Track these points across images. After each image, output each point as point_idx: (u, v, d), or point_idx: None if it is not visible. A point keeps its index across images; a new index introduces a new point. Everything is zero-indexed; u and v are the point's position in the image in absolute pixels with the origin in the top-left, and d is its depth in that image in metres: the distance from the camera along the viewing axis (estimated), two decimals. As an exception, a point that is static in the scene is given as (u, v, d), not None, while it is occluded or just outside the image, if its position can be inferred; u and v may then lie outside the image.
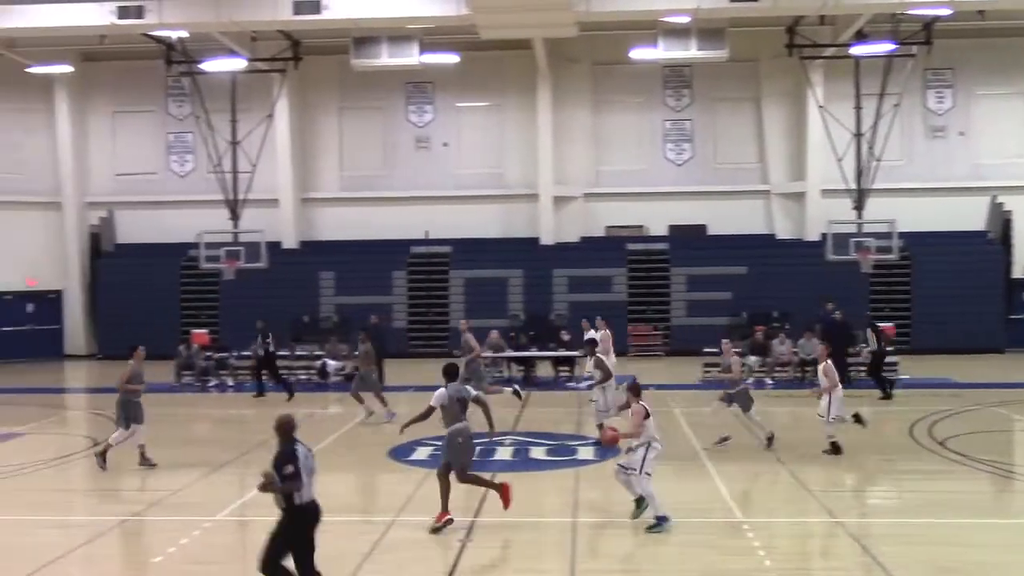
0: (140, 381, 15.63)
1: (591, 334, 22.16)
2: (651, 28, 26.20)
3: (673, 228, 33.07)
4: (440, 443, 16.85)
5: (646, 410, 11.60)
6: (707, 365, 25.61)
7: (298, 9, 23.56)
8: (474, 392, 12.51)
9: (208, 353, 26.21)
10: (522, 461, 15.64)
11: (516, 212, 33.40)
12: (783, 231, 33.02)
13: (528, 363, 25.77)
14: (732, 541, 11.11)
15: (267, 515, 12.36)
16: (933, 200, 31.32)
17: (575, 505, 12.77)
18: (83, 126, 34.06)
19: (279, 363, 23.91)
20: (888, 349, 23.54)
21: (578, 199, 33.51)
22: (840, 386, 15.73)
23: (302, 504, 8.52)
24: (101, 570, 10.52)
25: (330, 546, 11.15)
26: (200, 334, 27.30)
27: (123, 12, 23.47)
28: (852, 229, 27.54)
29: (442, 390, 11.82)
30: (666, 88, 33.37)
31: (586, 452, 16.21)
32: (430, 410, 11.83)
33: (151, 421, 19.22)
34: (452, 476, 11.66)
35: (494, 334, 25.62)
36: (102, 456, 15.07)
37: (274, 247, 30.61)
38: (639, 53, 28.26)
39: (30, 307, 33.16)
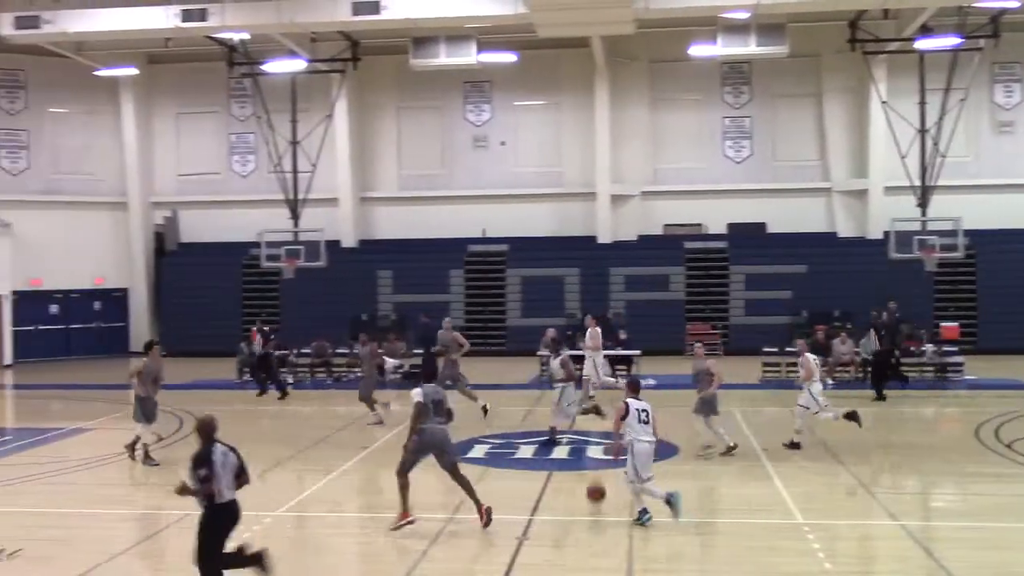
0: (155, 378, 15.90)
1: (593, 329, 22.03)
2: (710, 24, 25.98)
3: (732, 226, 32.75)
4: (496, 442, 16.96)
5: (626, 408, 11.63)
6: (766, 365, 25.36)
7: (357, 10, 23.75)
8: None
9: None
10: (578, 460, 15.60)
11: (573, 210, 33.35)
12: (844, 229, 32.50)
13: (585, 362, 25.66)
14: (792, 543, 10.97)
15: (325, 512, 12.55)
16: (1000, 197, 30.65)
17: (632, 505, 12.69)
18: (148, 128, 34.73)
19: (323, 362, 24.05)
20: (888, 350, 22.95)
21: (635, 197, 33.34)
22: (816, 380, 15.89)
23: (223, 503, 8.69)
24: (163, 563, 10.72)
25: (389, 542, 11.27)
26: (254, 332, 27.60)
27: (187, 15, 23.88)
28: (916, 227, 27.04)
29: (418, 388, 11.78)
30: (725, 85, 33.06)
31: (643, 451, 16.08)
32: (420, 406, 11.62)
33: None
34: (451, 473, 11.78)
35: (550, 332, 25.56)
36: (145, 455, 15.52)
37: (333, 246, 30.93)
38: (698, 50, 28.03)
39: (97, 305, 33.93)
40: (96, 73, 31.00)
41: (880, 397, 21.46)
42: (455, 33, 25.41)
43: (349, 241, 33.66)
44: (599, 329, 22.17)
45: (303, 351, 26.74)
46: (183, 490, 8.78)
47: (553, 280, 32.06)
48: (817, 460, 15.35)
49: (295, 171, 29.64)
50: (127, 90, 33.54)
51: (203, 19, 23.96)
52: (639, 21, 25.04)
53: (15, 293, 31.44)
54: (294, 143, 29.67)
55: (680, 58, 30.40)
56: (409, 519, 11.43)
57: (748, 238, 32.38)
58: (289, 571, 10.20)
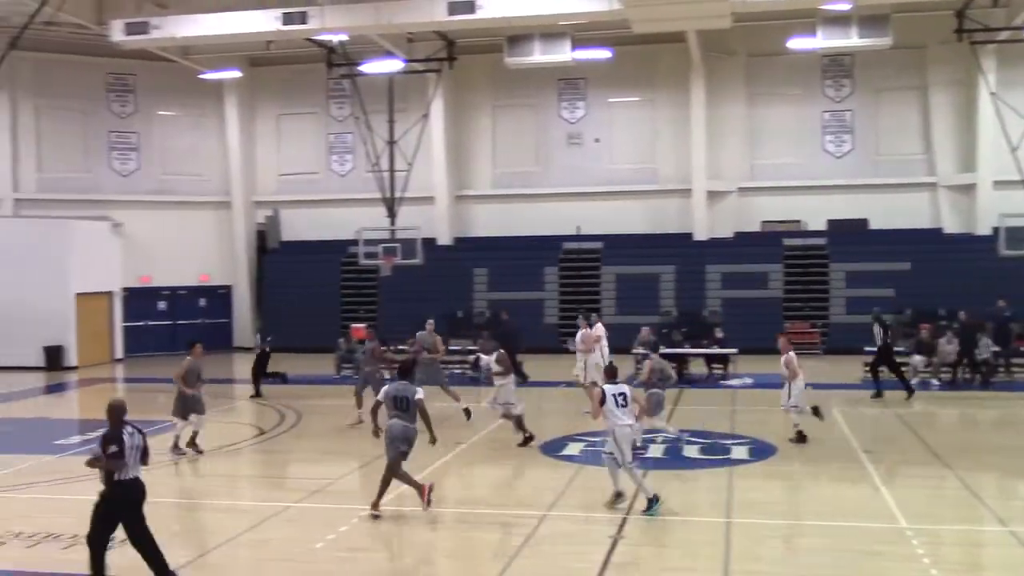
0: (197, 376, 16.32)
1: (584, 331, 21.54)
2: (810, 17, 25.44)
3: (832, 223, 32.01)
4: (594, 440, 16.92)
5: (603, 393, 11.90)
6: (868, 365, 24.72)
7: (453, 10, 23.93)
8: (420, 394, 12.38)
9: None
10: (674, 459, 15.46)
11: (668, 207, 33.04)
12: (951, 225, 31.47)
13: (681, 360, 25.43)
14: (895, 548, 10.69)
15: (420, 507, 12.69)
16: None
17: (728, 505, 12.55)
18: (251, 129, 35.63)
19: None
20: (890, 344, 22.17)
21: (732, 193, 32.86)
22: (801, 376, 16.34)
23: (124, 480, 9.31)
24: (265, 554, 10.98)
25: (482, 539, 11.35)
26: (359, 328, 28.09)
27: (288, 18, 24.39)
28: (1028, 222, 26.06)
29: (388, 386, 12.43)
30: (825, 78, 32.32)
31: (740, 452, 15.89)
32: (377, 404, 12.45)
33: (312, 412, 20.03)
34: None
35: (645, 331, 25.41)
36: (192, 446, 15.97)
37: (429, 243, 31.27)
38: (797, 43, 27.48)
39: (202, 302, 34.96)
40: (201, 76, 31.93)
41: (878, 395, 21.12)
42: (550, 31, 25.41)
43: (445, 239, 33.98)
44: (591, 331, 21.73)
45: (399, 347, 27.05)
46: (92, 463, 9.41)
47: (648, 278, 31.82)
48: (920, 463, 14.93)
49: (392, 170, 30.07)
50: (231, 93, 34.45)
51: (303, 22, 24.44)
52: (736, 15, 24.66)
53: (125, 290, 32.60)
54: (391, 142, 30.09)
55: (778, 52, 29.87)
56: (376, 513, 11.92)
57: (849, 235, 31.60)
58: (384, 566, 10.37)
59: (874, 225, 31.75)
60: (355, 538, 11.28)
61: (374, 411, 12.67)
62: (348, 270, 33.42)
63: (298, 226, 35.41)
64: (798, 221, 32.42)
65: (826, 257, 31.33)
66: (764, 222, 32.65)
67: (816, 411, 16.50)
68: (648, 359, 17.54)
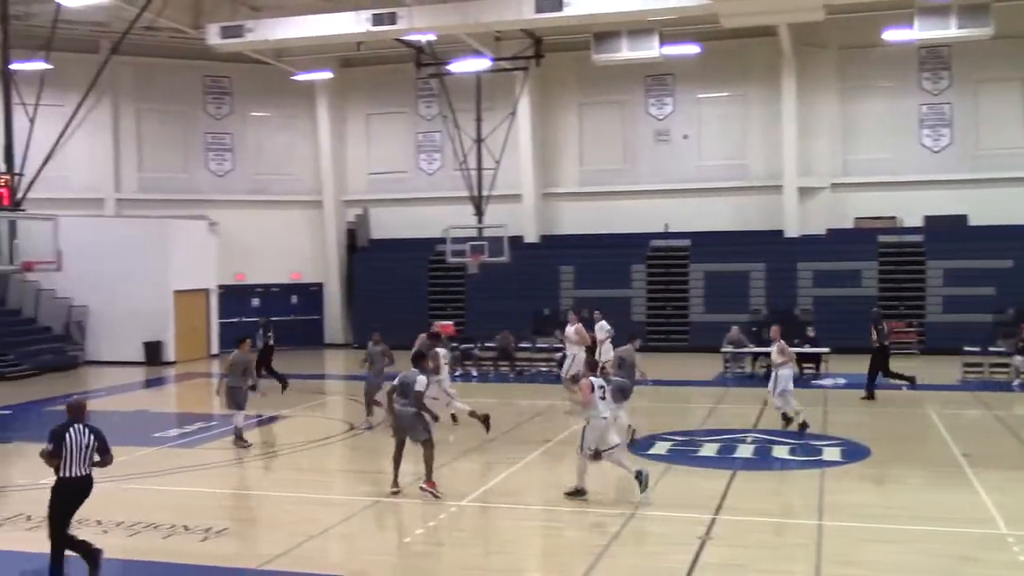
0: (243, 369, 16.64)
1: (577, 326, 21.51)
2: (906, 7, 24.76)
3: (929, 219, 31.13)
4: (679, 439, 16.80)
5: (592, 384, 12.39)
6: (967, 365, 24.05)
7: (540, 7, 23.94)
8: (420, 385, 13.11)
9: (454, 344, 27.17)
10: (763, 459, 15.25)
11: (758, 204, 32.53)
12: (1056, 221, 30.33)
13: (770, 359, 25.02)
14: (994, 555, 10.36)
15: (508, 504, 12.76)
16: None
17: (820, 507, 12.32)
18: (341, 129, 36.21)
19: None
20: (887, 345, 21.83)
21: (825, 190, 32.19)
22: (789, 366, 17.27)
23: (66, 477, 9.54)
24: (356, 546, 11.17)
25: (570, 537, 11.36)
26: (446, 325, 28.35)
27: (377, 19, 24.70)
28: None
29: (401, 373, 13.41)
30: (922, 71, 31.42)
31: (833, 453, 15.58)
32: (392, 390, 13.28)
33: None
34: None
35: (735, 330, 25.13)
36: (240, 439, 16.42)
37: (516, 241, 31.36)
38: (892, 34, 26.78)
39: (294, 299, 35.69)
40: (294, 78, 32.57)
41: (870, 396, 20.79)
42: (637, 27, 25.23)
43: (532, 237, 34.05)
44: (581, 324, 21.77)
45: (487, 345, 27.27)
46: (41, 454, 9.74)
47: (738, 275, 31.41)
48: (1022, 467, 14.43)
49: (479, 168, 30.25)
50: (322, 93, 35.07)
51: (393, 22, 24.73)
52: (829, 7, 24.11)
53: (221, 287, 33.47)
54: (478, 141, 30.27)
55: (873, 44, 29.17)
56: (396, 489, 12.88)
57: (947, 231, 30.67)
58: (473, 562, 10.45)
59: (974, 221, 30.74)
60: (444, 533, 11.39)
61: (388, 397, 13.36)
62: (436, 268, 33.75)
63: (387, 224, 35.88)
64: (893, 217, 31.61)
65: (923, 254, 30.49)
66: (858, 219, 31.90)
67: (787, 419, 17.16)
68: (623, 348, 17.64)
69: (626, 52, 25.38)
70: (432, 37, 28.26)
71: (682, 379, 24.78)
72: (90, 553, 9.73)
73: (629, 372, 16.41)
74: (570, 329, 21.62)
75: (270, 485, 14.14)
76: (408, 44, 29.51)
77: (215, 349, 32.84)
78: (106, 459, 9.85)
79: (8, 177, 19.14)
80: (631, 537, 11.09)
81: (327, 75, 32.86)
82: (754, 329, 26.20)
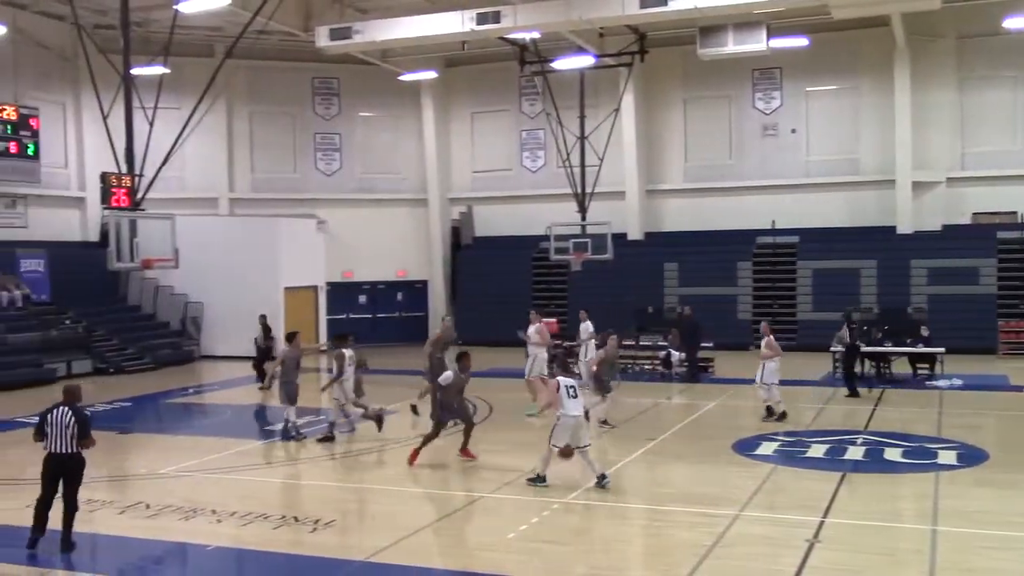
0: (296, 364, 17.11)
1: (538, 325, 21.41)
2: (1028, -6, 23.81)
3: (1053, 214, 29.85)
4: (786, 439, 16.49)
5: (558, 384, 13.00)
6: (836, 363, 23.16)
7: (645, 3, 23.74)
8: (441, 379, 15.00)
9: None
10: (875, 462, 14.83)
11: (869, 199, 31.66)
12: None
13: (882, 359, 24.36)
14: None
15: (611, 502, 12.72)
16: None
17: (934, 512, 11.94)
18: (446, 128, 36.60)
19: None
20: (857, 344, 21.96)
21: (940, 184, 31.12)
22: (774, 358, 18.13)
23: (49, 452, 10.59)
24: (460, 541, 11.28)
25: (674, 537, 11.26)
26: (550, 323, 28.36)
27: (481, 18, 24.88)
28: None
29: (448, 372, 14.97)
30: (1047, 58, 30.13)
31: (948, 456, 15.07)
32: (435, 388, 14.98)
33: (505, 404, 20.39)
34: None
35: (845, 328, 24.49)
36: (295, 430, 17.03)
37: (619, 238, 31.22)
38: (1015, 22, 25.73)
39: (400, 296, 36.24)
40: (400, 78, 33.04)
41: (853, 394, 20.89)
42: (744, 20, 24.81)
43: (635, 234, 33.83)
44: (544, 324, 21.64)
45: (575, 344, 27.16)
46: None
47: (848, 272, 30.62)
48: None
49: (583, 165, 30.20)
50: (427, 93, 35.49)
51: (497, 21, 24.87)
52: (945, -5, 23.36)
53: (329, 284, 34.20)
54: (582, 138, 30.22)
55: (993, 32, 28.13)
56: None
57: (1072, 226, 29.37)
58: (576, 559, 10.44)
59: (1103, 217, 29.37)
60: (546, 530, 11.42)
61: (432, 393, 15.15)
62: (539, 265, 33.84)
63: (491, 222, 36.13)
64: (1014, 212, 30.38)
65: (1047, 251, 29.25)
66: (975, 214, 30.77)
67: (770, 410, 18.12)
68: (604, 346, 18.42)
69: (732, 46, 24.97)
70: (536, 35, 28.32)
71: (789, 379, 24.25)
72: (39, 531, 10.72)
73: (610, 370, 17.68)
74: (531, 329, 21.52)
75: (376, 479, 14.39)
76: (512, 42, 29.63)
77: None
78: (84, 442, 10.68)
79: (129, 178, 19.91)
80: (736, 538, 10.94)
81: (432, 75, 33.22)
82: (865, 328, 25.49)
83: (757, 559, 10.26)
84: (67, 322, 28.50)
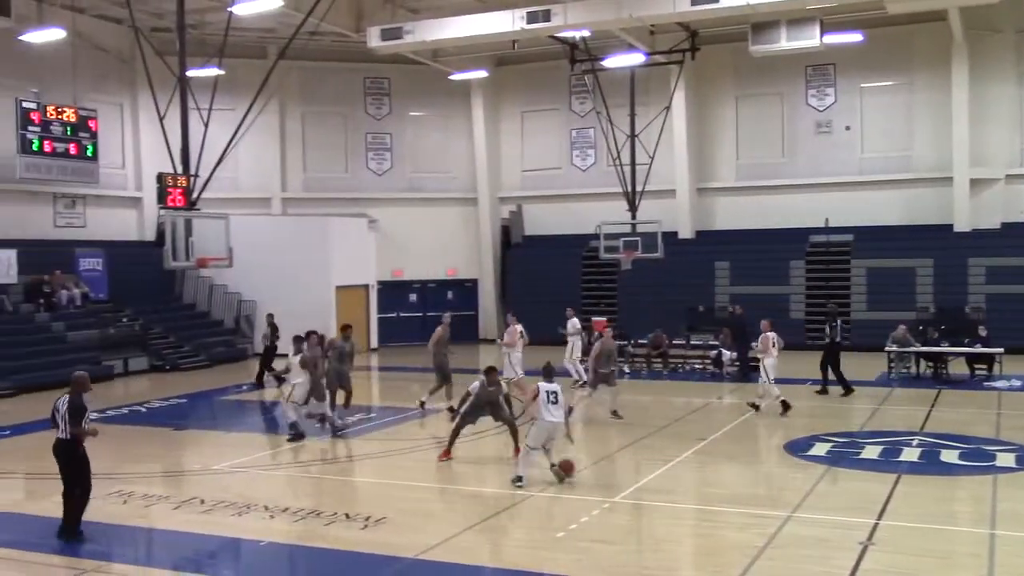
0: (314, 364, 17.17)
1: (511, 328, 21.61)
2: (1091, -14, 23.24)
3: (1116, 211, 29.11)
4: (840, 440, 16.29)
5: (538, 390, 13.29)
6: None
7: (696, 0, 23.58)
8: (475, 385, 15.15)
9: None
10: (931, 464, 14.58)
11: (925, 197, 31.12)
12: None
13: (938, 359, 23.95)
14: None
15: (661, 501, 12.67)
16: None
17: (992, 516, 11.72)
18: (496, 127, 36.66)
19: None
20: (839, 342, 21.61)
21: (999, 181, 30.48)
22: (770, 355, 18.96)
23: (59, 438, 11.12)
24: (509, 540, 11.30)
25: (723, 536, 11.18)
26: (599, 321, 28.30)
27: (532, 17, 24.86)
28: None
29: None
30: (1111, 53, 29.40)
31: (1007, 459, 14.77)
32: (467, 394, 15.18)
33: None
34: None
35: (902, 328, 24.15)
36: (328, 424, 17.31)
37: (670, 237, 31.03)
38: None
39: (450, 294, 36.37)
40: (451, 78, 33.15)
41: (847, 390, 21.00)
42: (797, 16, 24.52)
43: (686, 232, 33.62)
44: (519, 327, 21.69)
45: (640, 341, 27.11)
46: None
47: (903, 271, 30.13)
48: None
49: (633, 163, 30.06)
50: (477, 92, 35.58)
51: (547, 20, 24.83)
52: (1005, -12, 22.87)
53: (380, 283, 34.44)
54: (632, 136, 30.09)
55: (1054, 25, 27.46)
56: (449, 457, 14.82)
57: None
58: (626, 559, 10.41)
59: None
60: (596, 530, 11.40)
61: (462, 400, 15.32)
62: (589, 264, 33.77)
63: (541, 221, 36.12)
64: (1077, 210, 29.71)
65: (1108, 249, 28.53)
66: (1036, 211, 30.13)
67: (754, 405, 19.03)
68: (601, 339, 19.10)
69: (785, 42, 24.69)
70: (586, 33, 28.25)
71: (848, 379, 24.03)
72: (70, 517, 11.16)
73: (607, 362, 18.45)
74: (506, 333, 21.66)
75: (427, 476, 14.46)
76: (562, 41, 29.58)
77: (374, 343, 33.83)
78: (75, 430, 11.06)
79: (185, 179, 20.22)
80: (788, 540, 10.83)
81: (482, 74, 33.30)
82: (920, 328, 25.10)
83: (809, 561, 10.15)
84: (124, 320, 29.06)
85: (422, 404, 19.94)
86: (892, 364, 24.23)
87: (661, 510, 12.41)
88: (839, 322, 22.01)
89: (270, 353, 24.60)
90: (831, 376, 21.34)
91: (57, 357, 25.13)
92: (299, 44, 21.63)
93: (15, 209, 28.81)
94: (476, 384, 15.07)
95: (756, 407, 19.10)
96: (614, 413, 18.59)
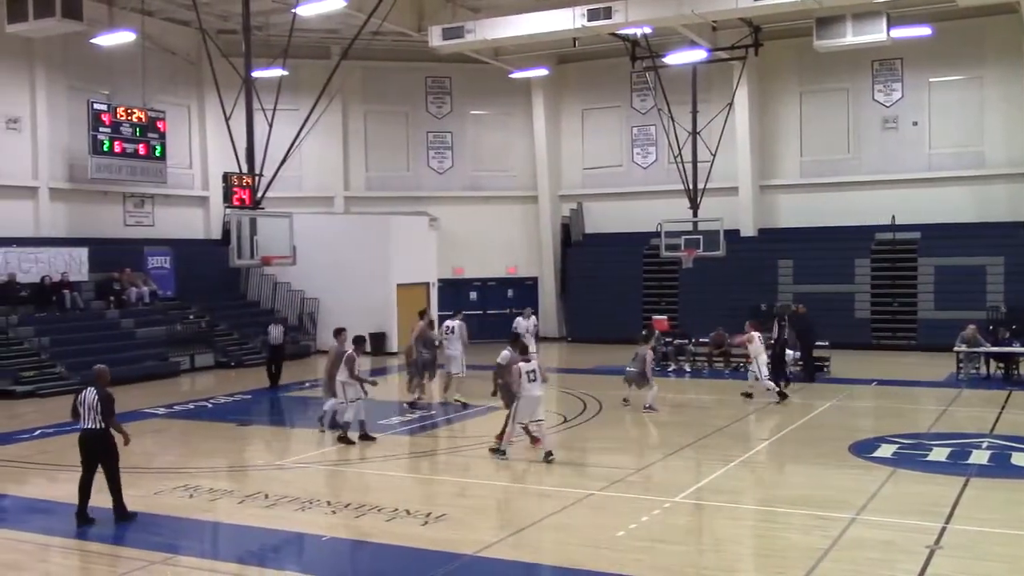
0: (333, 363, 17.22)
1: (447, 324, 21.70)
2: None
3: None
4: (906, 442, 16.00)
5: (520, 370, 14.63)
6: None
7: (760, -5, 23.30)
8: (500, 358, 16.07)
9: (668, 339, 26.97)
10: (1001, 467, 14.24)
11: (996, 194, 30.40)
12: None
13: (1009, 360, 23.40)
14: None
15: (723, 502, 12.56)
16: None
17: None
18: (556, 125, 36.63)
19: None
20: (787, 340, 22.32)
21: (1074, 177, 29.70)
22: (761, 356, 20.54)
23: (84, 428, 11.62)
24: (569, 538, 11.28)
25: (785, 538, 11.04)
26: (660, 320, 28.17)
27: (592, 14, 24.79)
28: None
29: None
30: None
31: (1080, 462, 14.38)
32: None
33: (614, 402, 20.31)
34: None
35: (971, 328, 23.63)
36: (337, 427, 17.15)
37: (732, 235, 30.75)
38: None
39: (510, 292, 36.43)
40: (511, 76, 33.20)
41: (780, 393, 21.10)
42: (863, 10, 24.11)
43: (748, 230, 33.26)
44: (462, 323, 21.84)
45: (701, 340, 26.89)
46: None
47: (973, 270, 29.46)
48: None
49: (695, 161, 29.81)
50: (538, 90, 35.58)
51: (608, 17, 24.73)
52: (1080, -21, 22.25)
53: (440, 281, 34.63)
54: (694, 133, 29.85)
55: None
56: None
57: None
58: (686, 559, 10.34)
59: None
60: (656, 529, 11.34)
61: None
62: (650, 262, 33.60)
63: (601, 219, 36.02)
64: None
65: None
66: (1113, 208, 29.27)
67: (747, 394, 20.45)
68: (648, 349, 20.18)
69: (851, 37, 24.31)
70: (647, 30, 28.09)
71: (909, 379, 23.59)
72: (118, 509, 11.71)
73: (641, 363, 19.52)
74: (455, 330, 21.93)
75: (486, 474, 14.50)
76: (623, 38, 29.45)
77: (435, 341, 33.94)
78: (108, 421, 11.59)
79: (250, 178, 20.54)
80: (853, 543, 10.66)
81: (543, 72, 33.28)
82: (990, 328, 24.53)
83: (874, 564, 9.98)
84: (191, 317, 29.62)
85: (411, 404, 20.48)
86: (961, 365, 23.74)
87: (722, 510, 12.30)
88: (787, 323, 22.51)
89: (277, 352, 24.91)
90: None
91: (126, 353, 25.72)
92: (361, 44, 21.84)
93: (87, 208, 29.57)
94: (506, 352, 15.93)
95: (750, 395, 20.66)
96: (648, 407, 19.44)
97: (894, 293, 30.68)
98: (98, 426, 11.57)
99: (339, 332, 18.08)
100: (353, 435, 16.55)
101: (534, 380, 14.73)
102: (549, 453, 14.76)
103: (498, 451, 15.14)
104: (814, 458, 15.21)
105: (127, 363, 24.85)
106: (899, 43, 27.32)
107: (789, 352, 24.73)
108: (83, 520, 11.62)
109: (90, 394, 11.64)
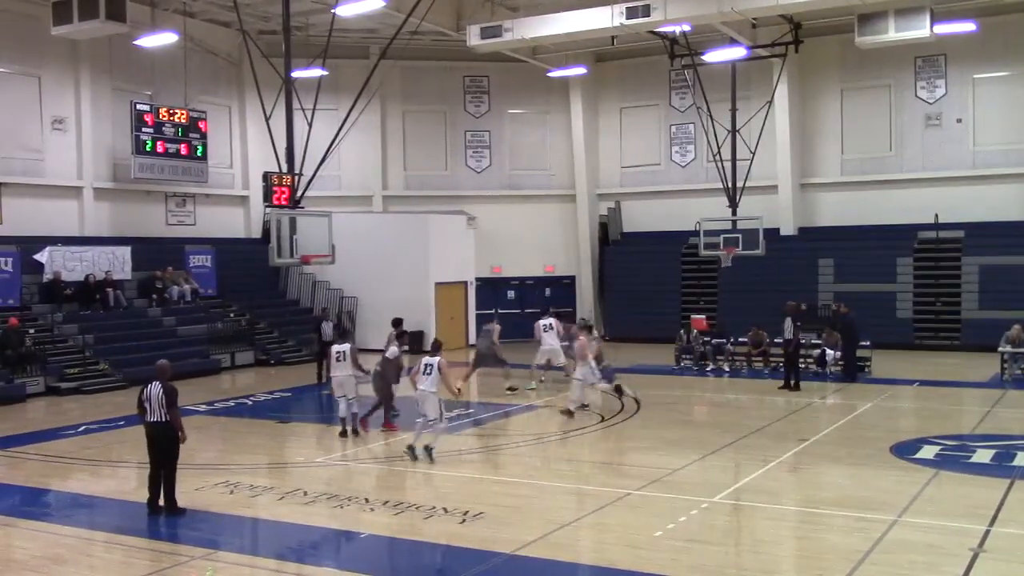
0: (353, 361, 17.39)
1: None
2: None
3: None
4: (949, 443, 15.78)
5: (420, 365, 15.16)
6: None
7: (801, -9, 23.11)
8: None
9: (706, 338, 26.82)
10: (1004, 466, 14.04)
11: (1044, 191, 29.90)
12: None
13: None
14: None
15: (762, 502, 12.47)
16: None
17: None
18: (594, 123, 36.54)
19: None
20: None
21: (1124, 174, 29.11)
22: (591, 359, 19.24)
23: (148, 421, 12.04)
24: (607, 537, 11.27)
25: (825, 539, 10.94)
26: (699, 319, 28.02)
27: (631, 12, 24.68)
28: None
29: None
30: None
31: None
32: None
33: (653, 401, 20.24)
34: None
35: (1016, 328, 23.26)
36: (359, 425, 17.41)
37: (771, 234, 30.50)
38: None
39: (548, 291, 36.41)
40: (549, 74, 33.17)
41: (791, 387, 21.50)
42: (906, 5, 23.80)
43: (788, 229, 32.97)
44: (556, 320, 22.99)
45: (740, 339, 26.70)
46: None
47: (1018, 269, 28.92)
48: None
49: (734, 159, 29.60)
50: (576, 89, 35.51)
51: (647, 15, 24.60)
52: None
53: (478, 280, 34.70)
54: (733, 131, 29.63)
55: None
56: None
57: None
58: (724, 560, 10.28)
59: None
60: (694, 529, 11.28)
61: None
62: (688, 261, 33.42)
63: (639, 217, 35.87)
64: None
65: None
66: None
67: (618, 390, 19.72)
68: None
69: (893, 33, 23.99)
70: (686, 28, 27.93)
71: (952, 379, 23.27)
72: (163, 496, 12.03)
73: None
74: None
75: (524, 473, 14.51)
76: (662, 36, 29.32)
77: (472, 339, 34.02)
78: (171, 412, 11.98)
79: (290, 177, 20.70)
80: (894, 545, 10.54)
81: (581, 71, 33.22)
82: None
83: (917, 567, 9.86)
84: (232, 315, 29.92)
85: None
86: (1005, 365, 23.37)
87: (761, 511, 12.21)
88: (799, 322, 22.16)
89: (327, 346, 25.00)
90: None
91: (168, 351, 25.91)
92: (400, 44, 21.90)
93: (130, 208, 29.98)
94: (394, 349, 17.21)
95: (570, 413, 19.08)
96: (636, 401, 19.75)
97: (937, 292, 30.26)
98: (164, 419, 11.95)
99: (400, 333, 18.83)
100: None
101: (428, 374, 14.98)
102: (427, 447, 15.01)
103: (411, 449, 15.20)
104: (855, 459, 15.04)
105: (169, 360, 25.06)
106: (942, 39, 26.97)
107: (829, 352, 24.54)
108: (154, 509, 12.02)
109: (155, 388, 12.06)
